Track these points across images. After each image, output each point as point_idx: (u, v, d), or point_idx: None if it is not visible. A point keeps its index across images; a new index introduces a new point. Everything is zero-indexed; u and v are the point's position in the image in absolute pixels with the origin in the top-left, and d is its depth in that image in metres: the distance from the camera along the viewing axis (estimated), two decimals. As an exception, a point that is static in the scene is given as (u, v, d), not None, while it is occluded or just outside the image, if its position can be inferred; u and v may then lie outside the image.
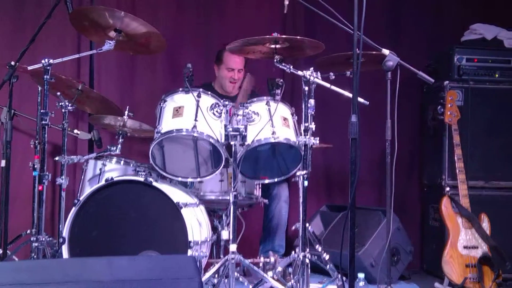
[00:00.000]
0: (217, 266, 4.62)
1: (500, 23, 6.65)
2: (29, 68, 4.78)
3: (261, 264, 5.09)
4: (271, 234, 5.86)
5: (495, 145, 6.27)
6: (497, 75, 6.34)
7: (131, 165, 5.32)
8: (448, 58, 6.34)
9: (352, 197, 4.02)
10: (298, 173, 4.76)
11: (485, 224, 5.48)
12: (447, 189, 5.90)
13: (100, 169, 5.31)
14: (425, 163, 6.87)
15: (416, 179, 7.02)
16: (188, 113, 4.76)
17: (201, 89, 4.84)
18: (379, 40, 4.71)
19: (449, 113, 5.64)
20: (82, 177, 5.47)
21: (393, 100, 4.55)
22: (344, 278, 4.80)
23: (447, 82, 6.09)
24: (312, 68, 4.81)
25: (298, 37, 5.02)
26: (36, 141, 5.53)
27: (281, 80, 4.89)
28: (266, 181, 5.04)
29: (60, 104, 4.99)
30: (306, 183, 4.74)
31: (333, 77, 4.93)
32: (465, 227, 5.45)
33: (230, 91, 6.06)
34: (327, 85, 4.86)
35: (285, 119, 4.87)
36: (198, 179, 5.00)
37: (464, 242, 5.41)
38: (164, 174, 4.87)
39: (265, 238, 5.90)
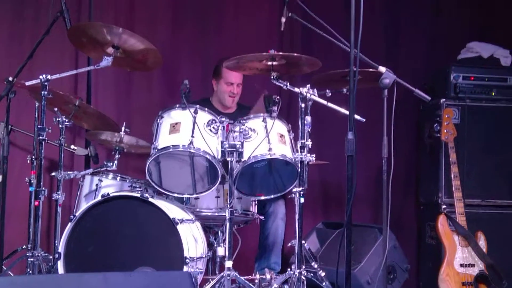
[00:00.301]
0: (212, 282, 4.61)
1: (497, 41, 6.69)
2: (27, 83, 4.78)
3: (256, 281, 5.06)
4: (267, 251, 5.83)
5: (492, 163, 6.28)
6: (493, 93, 6.37)
7: (128, 181, 5.32)
8: (445, 76, 6.36)
9: (349, 215, 4.03)
10: (294, 190, 4.75)
11: (482, 242, 5.47)
12: (444, 207, 5.91)
13: (97, 185, 5.29)
14: (422, 180, 6.87)
15: (413, 197, 7.02)
16: (185, 129, 4.76)
17: (198, 106, 4.85)
18: (375, 57, 4.75)
19: (445, 131, 5.65)
20: (78, 193, 5.45)
21: (390, 118, 4.55)
22: (340, 296, 4.79)
23: (443, 100, 6.10)
24: (308, 85, 4.80)
25: (295, 54, 5.03)
26: (33, 157, 5.52)
27: (278, 97, 4.88)
28: (262, 198, 5.02)
29: (58, 119, 5.00)
30: (302, 200, 4.73)
31: (330, 94, 4.92)
32: (461, 245, 5.44)
33: (230, 105, 6.05)
34: (324, 102, 4.86)
35: (281, 135, 4.86)
36: (194, 195, 4.97)
37: (461, 260, 5.40)
38: (160, 190, 4.87)
39: (261, 255, 5.88)
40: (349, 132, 4.03)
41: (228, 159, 4.67)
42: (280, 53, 4.80)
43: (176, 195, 4.92)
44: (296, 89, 4.80)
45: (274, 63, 4.84)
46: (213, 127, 4.81)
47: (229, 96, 6.00)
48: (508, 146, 6.32)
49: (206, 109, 4.89)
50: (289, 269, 4.78)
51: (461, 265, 5.39)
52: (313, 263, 4.99)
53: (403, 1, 7.22)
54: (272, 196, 4.98)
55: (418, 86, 5.03)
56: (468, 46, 6.69)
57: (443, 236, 5.46)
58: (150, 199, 4.75)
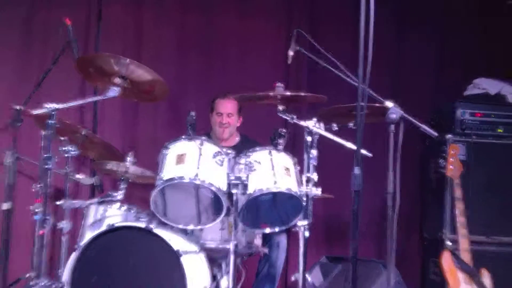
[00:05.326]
0: (216, 315, 4.59)
1: (504, 77, 6.71)
2: (34, 112, 4.78)
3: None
4: (266, 282, 5.77)
5: (497, 200, 6.26)
6: (500, 130, 6.37)
7: (133, 211, 5.30)
8: (451, 112, 6.38)
9: (354, 251, 4.00)
10: (299, 224, 4.73)
11: (487, 280, 5.44)
12: (448, 243, 5.88)
13: (101, 215, 5.27)
14: (426, 216, 6.85)
15: (417, 232, 7.00)
16: (190, 161, 4.74)
17: (204, 137, 4.85)
18: (381, 92, 4.74)
19: (451, 166, 5.63)
20: (83, 222, 5.41)
21: (396, 153, 4.54)
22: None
23: (449, 135, 6.10)
24: (315, 119, 4.81)
25: (302, 93, 5.03)
26: (38, 185, 5.50)
27: (284, 130, 4.89)
28: (267, 231, 5.01)
29: (64, 149, 4.99)
30: (307, 233, 4.70)
31: (336, 128, 4.92)
32: (466, 282, 5.40)
33: (221, 136, 6.06)
34: (330, 136, 4.85)
35: (287, 169, 4.85)
36: (199, 227, 4.96)
37: (465, 298, 5.37)
38: (165, 221, 4.84)
39: (257, 286, 5.81)
40: (355, 167, 4.01)
41: (233, 191, 4.66)
42: (287, 93, 4.83)
43: (180, 226, 4.88)
44: (303, 123, 4.80)
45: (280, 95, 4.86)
46: (219, 159, 4.80)
47: (219, 126, 6.03)
48: (514, 183, 6.33)
49: (212, 140, 4.89)
50: (292, 303, 4.76)
51: (466, 302, 5.37)
52: (316, 298, 4.96)
53: (410, 36, 7.26)
54: (276, 229, 4.95)
55: (424, 122, 5.03)
56: (474, 82, 6.71)
57: (447, 273, 5.42)
58: (155, 230, 4.74)
